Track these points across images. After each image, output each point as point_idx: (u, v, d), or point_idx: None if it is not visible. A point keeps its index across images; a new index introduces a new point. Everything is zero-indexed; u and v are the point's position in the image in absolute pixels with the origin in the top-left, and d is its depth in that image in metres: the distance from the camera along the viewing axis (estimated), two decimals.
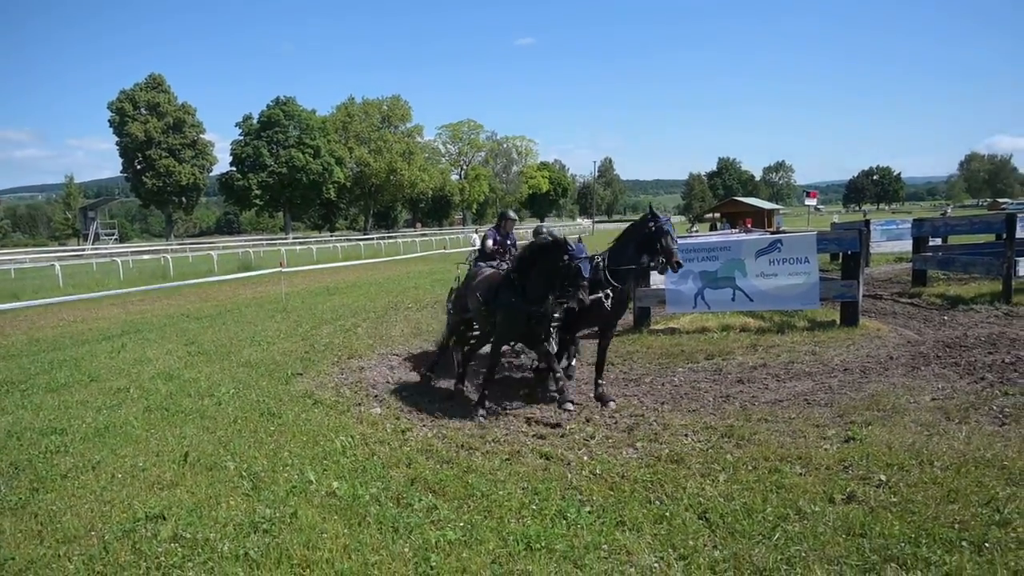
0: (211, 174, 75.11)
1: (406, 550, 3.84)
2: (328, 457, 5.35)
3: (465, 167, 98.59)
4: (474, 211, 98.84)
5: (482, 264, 7.94)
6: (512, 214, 8.74)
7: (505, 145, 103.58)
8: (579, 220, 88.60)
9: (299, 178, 70.65)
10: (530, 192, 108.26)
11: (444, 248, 40.97)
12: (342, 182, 75.34)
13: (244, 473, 5.07)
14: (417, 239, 49.81)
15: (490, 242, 8.37)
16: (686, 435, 5.49)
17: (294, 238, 63.59)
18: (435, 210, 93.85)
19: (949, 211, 54.82)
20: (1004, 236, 11.45)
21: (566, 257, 6.01)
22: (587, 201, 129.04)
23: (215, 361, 9.37)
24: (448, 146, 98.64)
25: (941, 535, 3.49)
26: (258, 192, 70.89)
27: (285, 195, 72.23)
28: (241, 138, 72.29)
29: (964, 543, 3.40)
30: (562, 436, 5.71)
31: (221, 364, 9.15)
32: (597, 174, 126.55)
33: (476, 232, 39.95)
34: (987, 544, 3.37)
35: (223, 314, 14.48)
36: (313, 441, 5.76)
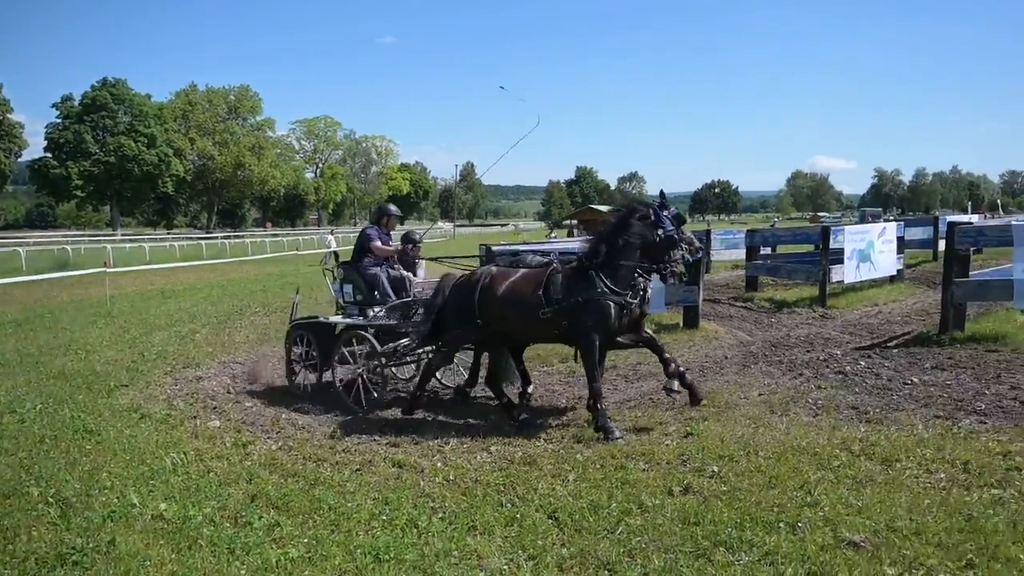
0: (20, 160, 68.03)
1: (242, 572, 3.71)
2: (155, 477, 5.03)
3: (321, 165, 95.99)
4: (330, 211, 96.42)
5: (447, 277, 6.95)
6: (394, 208, 8.08)
7: (364, 144, 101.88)
8: (440, 224, 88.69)
9: (130, 169, 65.08)
10: (390, 193, 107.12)
11: (297, 249, 39.69)
12: (181, 175, 70.73)
13: (51, 499, 4.64)
14: (267, 239, 47.90)
15: (378, 243, 7.53)
16: (540, 438, 5.70)
17: (123, 235, 59.09)
18: (288, 209, 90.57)
19: (777, 223, 59.90)
20: (820, 246, 12.97)
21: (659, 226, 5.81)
22: (448, 205, 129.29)
23: (18, 373, 8.58)
24: (303, 143, 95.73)
25: (762, 518, 3.87)
26: (79, 183, 63.96)
27: (113, 187, 66.27)
28: (59, 121, 65.21)
29: (781, 524, 3.79)
30: (416, 443, 5.76)
31: (27, 376, 8.40)
32: (459, 178, 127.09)
33: (332, 233, 38.98)
34: (800, 524, 3.77)
35: (32, 319, 13.29)
36: (138, 460, 5.40)
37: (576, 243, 10.99)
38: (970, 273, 9.36)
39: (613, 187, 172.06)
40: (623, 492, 4.40)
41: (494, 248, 8.85)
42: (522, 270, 6.44)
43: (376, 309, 7.33)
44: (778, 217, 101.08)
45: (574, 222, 68.65)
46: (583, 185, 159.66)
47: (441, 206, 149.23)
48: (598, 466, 4.91)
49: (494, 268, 6.59)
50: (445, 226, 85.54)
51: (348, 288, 7.63)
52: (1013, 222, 9.99)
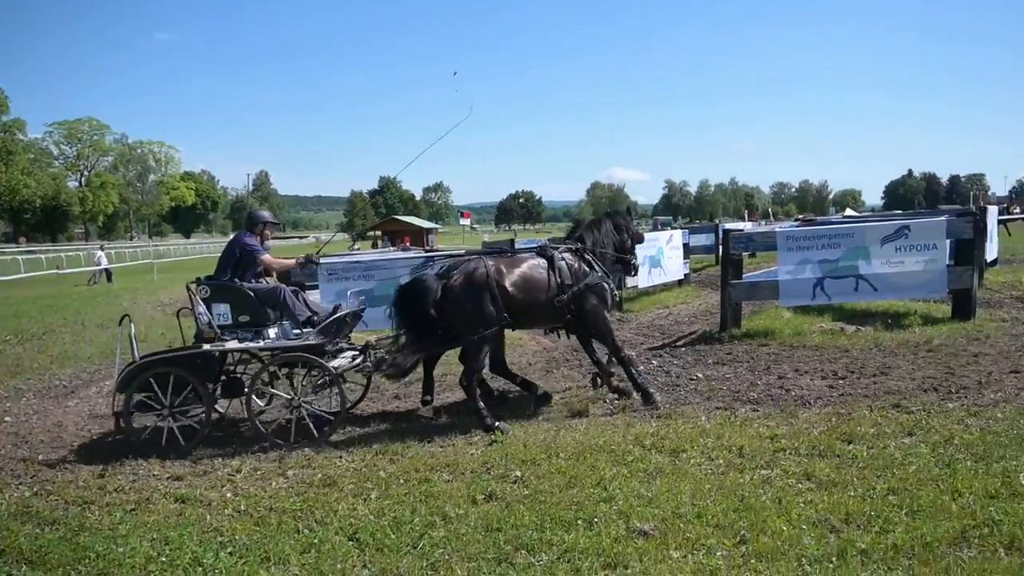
0: None
1: None
2: None
3: (87, 173, 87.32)
4: (100, 225, 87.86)
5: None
6: (269, 215, 7.10)
7: (139, 150, 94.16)
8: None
9: None
10: (172, 205, 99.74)
11: (58, 268, 35.64)
12: None
13: None
14: (20, 257, 42.54)
15: (267, 256, 6.66)
16: (341, 456, 5.57)
17: None
18: (47, 223, 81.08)
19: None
20: None
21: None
22: (241, 217, 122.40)
23: None
24: (63, 147, 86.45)
25: (562, 517, 4.05)
26: None
27: None
28: None
29: (579, 521, 3.99)
30: (203, 474, 5.40)
31: None
32: (252, 188, 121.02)
33: (102, 248, 35.54)
34: (596, 519, 4.00)
35: None
36: None
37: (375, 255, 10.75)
38: (743, 275, 10.50)
39: (419, 197, 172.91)
40: (427, 505, 4.41)
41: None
42: (524, 260, 6.58)
43: (273, 331, 6.38)
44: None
45: (378, 233, 68.13)
46: (387, 195, 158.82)
47: (233, 218, 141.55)
48: (402, 481, 4.89)
49: (489, 262, 6.38)
50: None
51: (223, 308, 6.35)
52: (776, 229, 11.29)
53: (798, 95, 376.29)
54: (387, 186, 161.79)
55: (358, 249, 41.86)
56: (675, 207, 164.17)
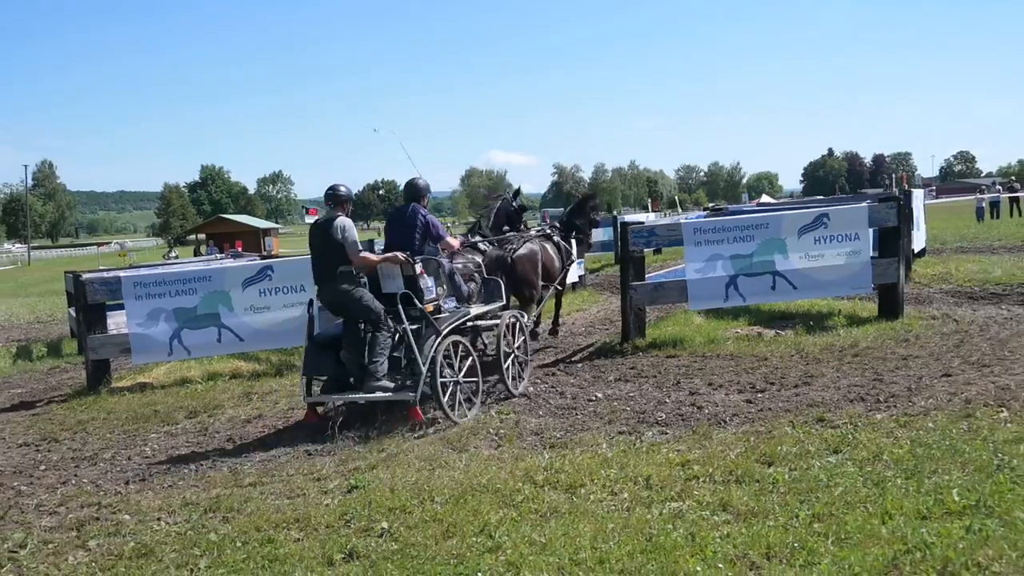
0: None
1: None
2: None
3: None
4: None
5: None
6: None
7: None
8: (8, 245, 78.86)
9: None
10: None
11: None
12: None
13: None
14: None
15: (449, 238, 8.35)
16: (159, 518, 5.36)
17: None
18: None
19: (450, 228, 63.53)
20: None
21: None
22: (19, 220, 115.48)
23: None
24: None
25: (439, 574, 4.06)
26: None
27: None
28: None
29: None
30: None
31: None
32: (32, 183, 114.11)
33: None
34: (480, 574, 4.03)
35: None
36: None
37: (199, 264, 10.78)
38: (647, 276, 10.86)
39: (252, 191, 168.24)
40: (271, 572, 4.31)
41: None
42: (548, 240, 10.65)
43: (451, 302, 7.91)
44: (452, 221, 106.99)
45: (202, 236, 65.94)
46: (212, 189, 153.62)
47: (7, 222, 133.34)
48: (239, 544, 4.75)
49: (532, 243, 10.10)
50: (15, 249, 76.45)
51: (430, 282, 7.60)
52: (682, 221, 11.77)
53: (704, 68, 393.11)
54: (211, 178, 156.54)
55: (176, 257, 40.43)
56: (567, 196, 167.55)
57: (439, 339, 7.12)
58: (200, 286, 9.92)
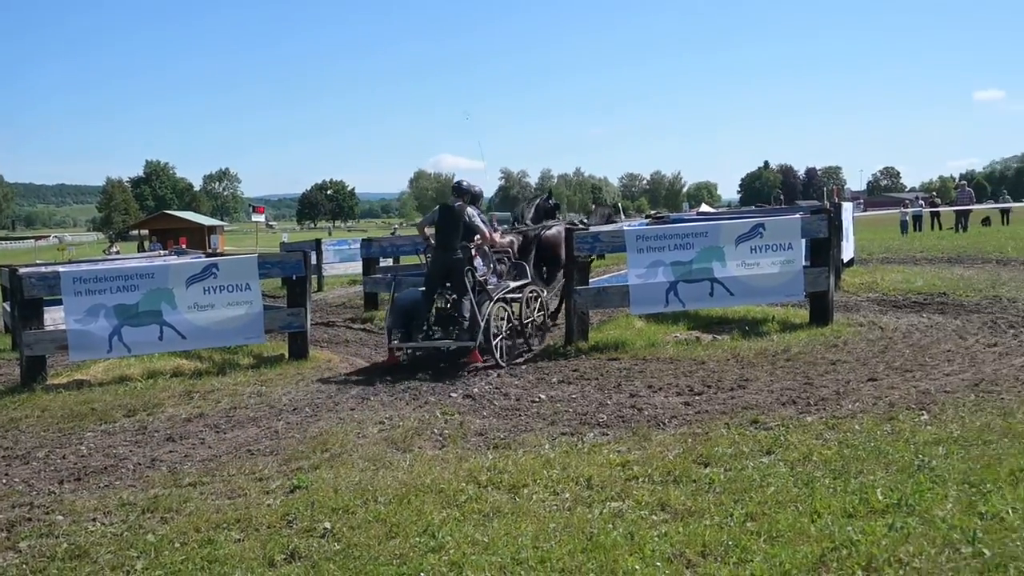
0: None
1: None
2: None
3: None
4: None
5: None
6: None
7: None
8: None
9: None
10: None
11: None
12: None
13: None
14: None
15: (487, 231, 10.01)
16: (95, 519, 5.19)
17: None
18: None
19: (398, 230, 63.48)
20: None
21: None
22: None
23: None
24: None
25: (381, 574, 4.01)
26: None
27: None
28: None
29: None
30: None
31: None
32: None
33: None
34: (423, 574, 3.99)
35: None
36: None
37: (141, 260, 10.63)
38: (590, 281, 10.93)
39: (198, 187, 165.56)
40: (210, 573, 4.21)
41: None
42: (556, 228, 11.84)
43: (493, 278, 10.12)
44: (400, 223, 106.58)
45: (145, 232, 64.56)
46: (156, 185, 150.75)
47: None
48: (177, 545, 4.62)
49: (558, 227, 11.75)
50: None
51: (481, 263, 10.03)
52: (625, 227, 11.86)
53: (648, 80, 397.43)
54: (156, 173, 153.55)
55: (117, 253, 39.54)
56: (513, 200, 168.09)
57: (491, 304, 9.28)
58: (142, 283, 9.64)
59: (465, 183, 10.04)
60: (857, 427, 5.93)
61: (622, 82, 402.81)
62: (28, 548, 4.80)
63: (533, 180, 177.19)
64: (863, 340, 9.17)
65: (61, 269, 10.32)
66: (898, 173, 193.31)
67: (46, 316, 10.08)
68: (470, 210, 9.69)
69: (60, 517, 5.27)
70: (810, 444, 5.59)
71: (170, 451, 6.72)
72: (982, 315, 10.45)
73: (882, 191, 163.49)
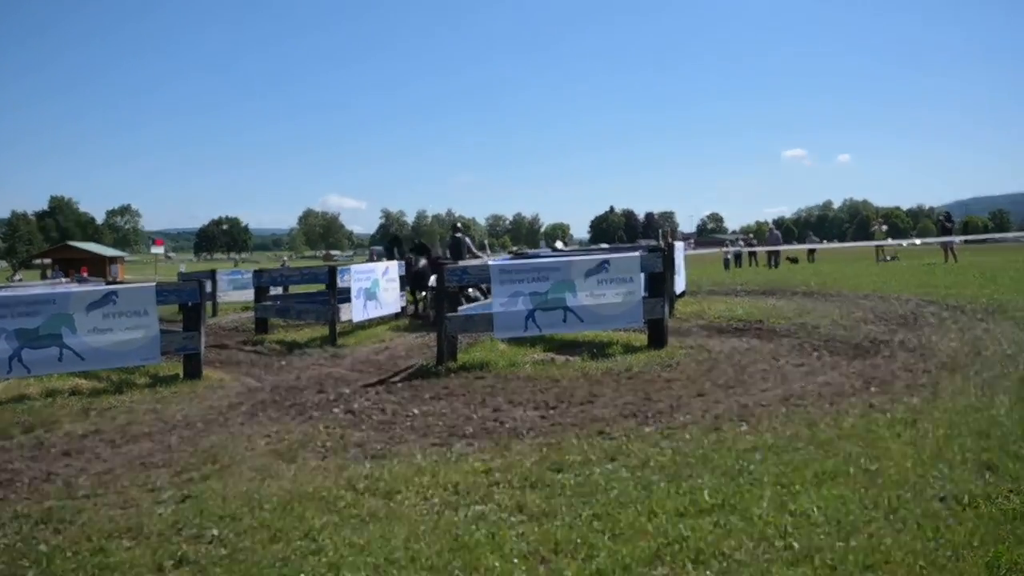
0: None
1: None
2: None
3: None
4: None
5: None
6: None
7: None
8: None
9: None
10: None
11: None
12: None
13: None
14: None
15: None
16: None
17: None
18: None
19: (287, 262, 61.95)
20: (328, 286, 13.87)
21: None
22: None
23: None
24: None
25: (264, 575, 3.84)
26: None
27: None
28: None
29: None
30: None
31: None
32: None
33: None
34: (303, 574, 3.84)
35: None
36: None
37: (39, 288, 9.95)
38: (459, 308, 10.92)
39: (101, 221, 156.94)
40: None
41: None
42: None
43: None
44: (289, 256, 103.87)
45: (48, 261, 60.56)
46: (60, 219, 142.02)
47: None
48: (69, 554, 4.28)
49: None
50: None
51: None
52: (490, 262, 11.94)
53: (508, 130, 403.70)
54: (60, 207, 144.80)
55: (20, 280, 36.82)
56: (392, 237, 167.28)
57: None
58: (44, 308, 9.04)
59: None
60: (688, 436, 6.03)
61: (490, 132, 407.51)
62: None
63: (410, 219, 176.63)
64: (693, 361, 9.40)
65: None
66: (722, 218, 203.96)
67: None
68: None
69: None
70: (648, 452, 5.67)
71: (66, 465, 6.24)
72: (791, 339, 10.79)
73: (709, 233, 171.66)
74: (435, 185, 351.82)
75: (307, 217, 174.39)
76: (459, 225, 16.06)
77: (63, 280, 20.89)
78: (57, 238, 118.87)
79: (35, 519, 4.91)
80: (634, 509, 4.53)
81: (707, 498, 4.62)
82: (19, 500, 5.36)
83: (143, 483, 5.60)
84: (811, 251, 43.10)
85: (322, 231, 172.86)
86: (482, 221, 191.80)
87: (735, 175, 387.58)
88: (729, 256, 39.47)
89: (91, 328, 9.20)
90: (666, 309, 10.61)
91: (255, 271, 17.43)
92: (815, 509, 4.36)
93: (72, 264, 49.42)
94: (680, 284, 16.23)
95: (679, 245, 18.09)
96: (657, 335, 10.40)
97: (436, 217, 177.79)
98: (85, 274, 30.43)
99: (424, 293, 16.11)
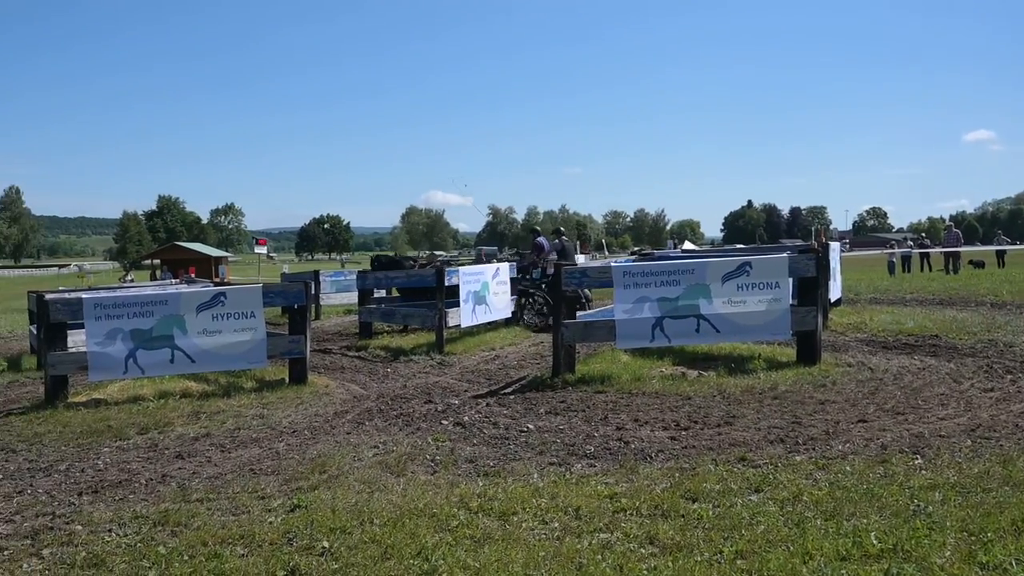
0: None
1: None
2: None
3: None
4: None
5: None
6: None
7: None
8: None
9: None
10: None
11: None
12: None
13: None
14: None
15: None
16: (111, 530, 5.18)
17: None
18: None
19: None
20: (435, 289, 13.92)
21: None
22: None
23: None
24: None
25: None
26: None
27: None
28: None
29: None
30: None
31: None
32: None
33: None
34: None
35: None
36: None
37: (152, 288, 10.81)
38: (578, 314, 10.90)
39: (205, 221, 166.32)
40: None
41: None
42: None
43: None
44: (394, 254, 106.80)
45: (157, 262, 64.57)
46: (167, 218, 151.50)
47: None
48: (186, 558, 4.60)
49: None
50: None
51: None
52: (612, 264, 11.86)
53: (626, 119, 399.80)
54: (167, 207, 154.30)
55: (131, 281, 39.50)
56: (500, 236, 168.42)
57: None
58: (157, 309, 9.72)
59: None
60: (848, 468, 5.75)
61: (601, 121, 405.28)
62: (50, 555, 4.81)
63: (520, 216, 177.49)
64: (852, 380, 8.97)
65: (84, 296, 10.37)
66: (885, 213, 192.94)
67: (69, 339, 10.18)
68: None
69: (79, 527, 5.27)
70: (800, 484, 5.44)
71: (179, 468, 6.69)
72: (977, 359, 10.12)
73: (868, 231, 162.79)
74: (544, 179, 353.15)
75: (410, 215, 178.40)
76: (562, 229, 17.32)
77: (172, 281, 22.25)
78: (165, 238, 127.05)
79: (153, 520, 5.29)
80: (785, 549, 4.35)
81: (874, 541, 4.36)
82: (137, 501, 5.80)
83: (253, 489, 5.92)
84: (1000, 254, 38.74)
85: (425, 230, 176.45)
86: (599, 218, 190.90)
87: (902, 163, 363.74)
88: (895, 259, 36.64)
89: (201, 330, 9.80)
90: (819, 320, 10.07)
91: (359, 272, 17.94)
92: (1013, 563, 4.03)
93: (180, 264, 52.60)
94: (835, 291, 15.58)
95: (834, 246, 17.28)
96: (808, 349, 9.97)
97: (548, 213, 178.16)
98: (193, 274, 32.36)
99: None
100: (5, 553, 4.87)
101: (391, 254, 19.57)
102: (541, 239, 19.01)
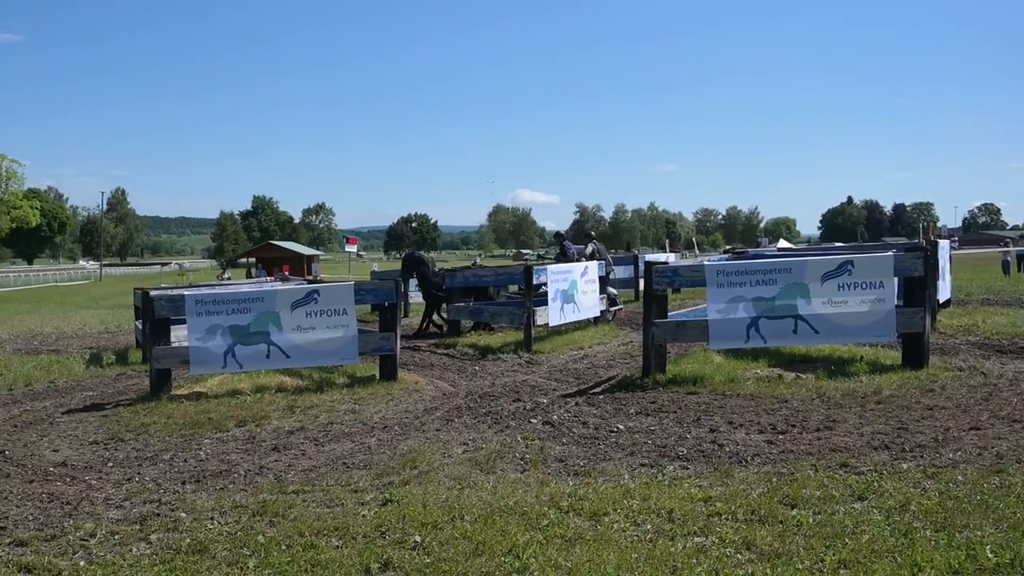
0: None
1: None
2: None
3: None
4: None
5: None
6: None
7: None
8: (83, 262, 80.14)
9: None
10: (13, 226, 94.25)
11: None
12: None
13: None
14: None
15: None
16: (212, 518, 5.41)
17: None
18: None
19: (479, 260, 64.18)
20: (524, 287, 14.00)
21: None
22: (93, 240, 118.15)
23: None
24: None
25: None
26: None
27: None
28: None
29: None
30: (51, 538, 5.14)
31: None
32: (106, 208, 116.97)
33: None
34: None
35: None
36: None
37: (248, 286, 11.25)
38: (669, 314, 10.75)
39: (297, 220, 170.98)
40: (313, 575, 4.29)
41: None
42: None
43: None
44: (480, 255, 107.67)
45: (252, 260, 66.71)
46: (261, 218, 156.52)
47: (83, 241, 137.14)
48: (284, 547, 4.76)
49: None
50: (89, 265, 77.69)
51: None
52: (705, 263, 11.66)
53: (724, 115, 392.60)
54: (262, 207, 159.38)
55: (229, 278, 40.91)
56: (587, 235, 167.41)
57: None
58: (254, 306, 10.09)
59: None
60: (960, 478, 5.50)
61: (699, 117, 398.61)
62: (157, 540, 5.06)
63: (607, 214, 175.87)
64: (963, 386, 8.58)
65: (186, 293, 10.84)
66: (998, 209, 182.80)
67: (172, 334, 10.65)
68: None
69: (183, 514, 5.52)
70: (907, 492, 5.24)
71: (276, 460, 6.93)
72: None
73: (979, 228, 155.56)
74: (635, 175, 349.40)
75: (497, 213, 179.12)
76: (592, 233, 18.41)
77: (268, 279, 22.99)
78: (259, 237, 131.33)
79: (251, 510, 5.49)
80: (891, 560, 4.19)
81: (989, 555, 4.15)
82: (236, 491, 6.03)
83: (346, 483, 6.07)
84: None
85: (512, 228, 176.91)
86: (689, 215, 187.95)
87: (1017, 155, 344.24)
88: (1010, 258, 34.70)
89: (295, 326, 10.11)
90: (927, 321, 9.63)
91: (447, 271, 18.18)
92: None
93: (274, 262, 54.12)
94: (944, 291, 14.92)
95: (943, 244, 16.57)
96: (915, 352, 9.54)
97: (636, 211, 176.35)
98: (287, 272, 33.36)
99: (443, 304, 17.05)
100: (116, 537, 5.14)
101: (419, 253, 19.82)
102: (567, 243, 18.97)
